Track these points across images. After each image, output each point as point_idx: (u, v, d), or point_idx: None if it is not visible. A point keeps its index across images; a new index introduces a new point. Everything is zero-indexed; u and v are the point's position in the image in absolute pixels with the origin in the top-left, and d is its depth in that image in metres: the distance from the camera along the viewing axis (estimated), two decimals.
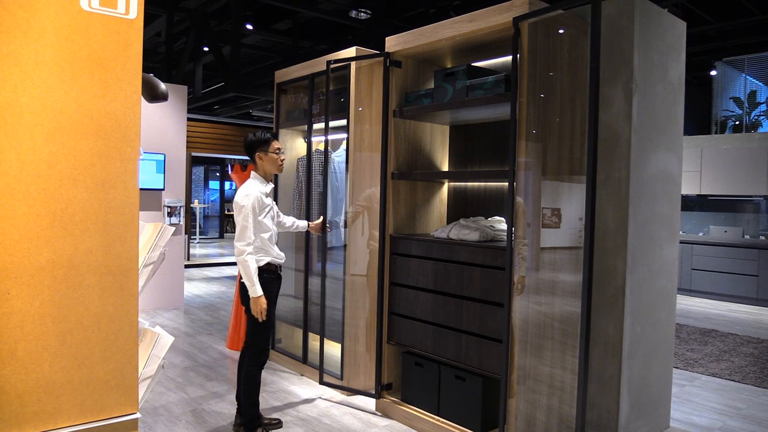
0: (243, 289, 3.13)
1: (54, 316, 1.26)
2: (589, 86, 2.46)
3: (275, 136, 3.23)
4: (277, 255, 3.20)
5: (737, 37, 7.98)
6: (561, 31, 2.93)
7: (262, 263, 3.11)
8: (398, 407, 3.49)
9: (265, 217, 3.13)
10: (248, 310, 3.12)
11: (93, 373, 1.31)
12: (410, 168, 3.68)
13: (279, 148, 3.21)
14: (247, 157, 13.59)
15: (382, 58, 3.59)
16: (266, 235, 3.14)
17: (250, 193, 3.06)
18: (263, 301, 3.04)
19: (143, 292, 1.52)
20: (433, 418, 3.27)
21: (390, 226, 3.56)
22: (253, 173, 3.22)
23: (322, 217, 3.73)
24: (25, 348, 1.23)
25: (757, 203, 8.30)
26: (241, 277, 3.13)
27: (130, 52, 1.33)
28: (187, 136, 7.21)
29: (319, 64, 4.21)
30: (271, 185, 3.26)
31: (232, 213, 18.78)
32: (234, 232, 3.42)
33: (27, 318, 1.23)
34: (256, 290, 3.02)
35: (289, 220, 3.58)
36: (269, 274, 3.16)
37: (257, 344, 3.16)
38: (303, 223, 3.67)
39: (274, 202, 3.32)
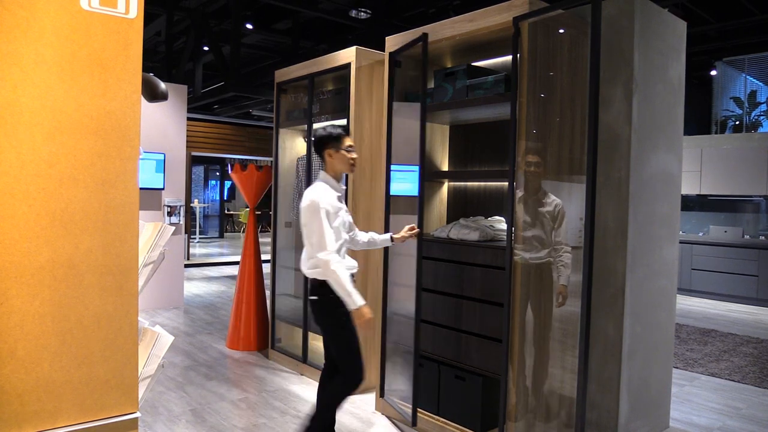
0: (319, 307, 2.75)
1: (54, 315, 1.26)
2: (589, 86, 2.46)
3: (347, 132, 2.89)
4: (350, 266, 2.78)
5: (737, 37, 7.98)
6: (561, 31, 2.93)
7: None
8: None
9: (337, 222, 2.72)
10: (330, 333, 2.78)
11: (93, 373, 1.31)
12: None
13: (351, 146, 2.84)
14: (247, 157, 13.65)
15: (383, 58, 3.59)
16: (338, 245, 2.75)
17: (320, 195, 2.68)
18: (367, 310, 2.62)
19: (143, 291, 1.52)
20: (433, 418, 3.27)
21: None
22: (322, 174, 2.86)
23: (409, 227, 3.14)
24: (25, 347, 1.23)
25: (757, 203, 8.30)
26: (314, 292, 2.75)
27: (130, 51, 1.33)
28: (187, 136, 7.21)
29: (319, 64, 4.21)
30: (343, 187, 2.91)
31: (232, 213, 18.89)
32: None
33: (27, 317, 1.23)
34: (355, 300, 2.60)
35: (364, 237, 3.03)
36: (332, 293, 2.75)
37: (353, 367, 2.74)
38: (384, 237, 3.09)
39: (347, 207, 2.90)
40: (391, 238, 3.08)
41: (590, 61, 2.45)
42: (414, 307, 3.41)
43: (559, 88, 2.96)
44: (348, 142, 2.84)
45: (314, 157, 4.33)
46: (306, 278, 4.31)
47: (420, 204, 3.29)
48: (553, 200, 2.95)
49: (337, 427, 2.89)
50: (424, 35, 3.21)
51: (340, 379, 2.76)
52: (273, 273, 4.74)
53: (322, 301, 2.72)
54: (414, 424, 3.28)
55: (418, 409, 3.34)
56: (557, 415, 3.10)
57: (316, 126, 4.31)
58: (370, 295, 3.88)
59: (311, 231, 2.66)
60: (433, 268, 3.27)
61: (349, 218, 2.90)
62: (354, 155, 2.85)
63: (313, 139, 2.89)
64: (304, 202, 2.70)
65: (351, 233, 2.94)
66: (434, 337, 3.26)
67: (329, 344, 2.85)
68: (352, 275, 2.76)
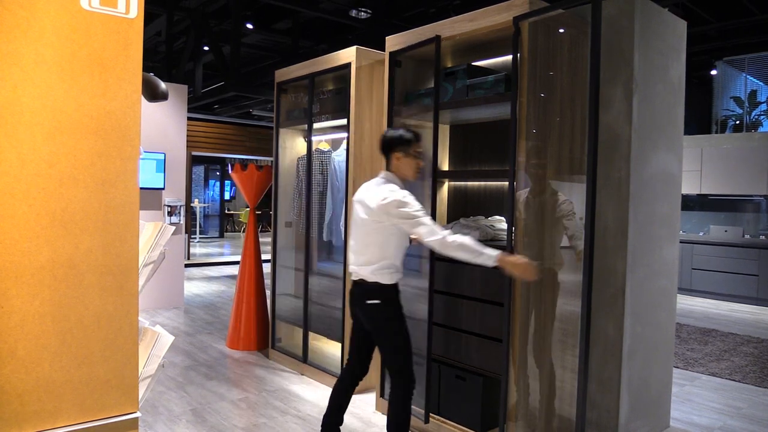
0: (381, 311, 2.66)
1: (54, 315, 1.26)
2: (589, 86, 2.46)
3: (419, 137, 2.76)
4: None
5: (737, 37, 7.97)
6: (561, 31, 2.93)
7: (393, 281, 2.69)
8: None
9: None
10: (388, 337, 2.68)
11: (93, 373, 1.31)
12: None
13: (421, 152, 2.76)
14: (247, 157, 13.66)
15: (383, 58, 3.59)
16: (403, 249, 2.72)
17: (406, 193, 2.59)
18: (514, 258, 2.46)
19: (143, 291, 1.52)
20: (434, 418, 3.27)
21: None
22: (387, 174, 2.74)
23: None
24: (26, 347, 1.23)
25: (757, 203, 8.29)
26: (374, 296, 2.65)
27: (130, 51, 1.33)
28: (188, 136, 7.21)
29: (319, 64, 4.21)
30: None
31: (232, 213, 18.89)
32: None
33: (27, 317, 1.23)
34: (491, 255, 2.43)
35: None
36: (396, 294, 2.74)
37: (408, 370, 2.68)
38: None
39: None
40: (410, 239, 2.93)
41: (590, 61, 2.45)
42: (414, 307, 3.41)
43: (559, 87, 2.96)
44: (418, 148, 2.74)
45: (314, 156, 4.33)
46: (305, 278, 4.34)
47: (432, 203, 3.30)
48: (562, 200, 2.94)
49: None
50: (437, 37, 3.20)
51: (398, 390, 2.69)
52: (273, 273, 4.74)
53: (384, 304, 2.65)
54: (426, 422, 3.28)
55: (419, 409, 3.34)
56: (558, 415, 3.10)
57: (315, 126, 4.31)
58: None
59: (409, 224, 2.54)
60: (433, 267, 3.27)
61: None
62: (421, 162, 2.77)
63: (383, 137, 2.78)
64: (385, 200, 2.57)
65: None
66: (435, 336, 3.26)
67: (384, 349, 2.72)
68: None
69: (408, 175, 2.76)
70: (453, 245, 2.47)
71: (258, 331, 5.02)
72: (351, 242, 2.82)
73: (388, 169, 2.76)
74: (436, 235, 2.50)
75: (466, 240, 2.48)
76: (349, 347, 2.93)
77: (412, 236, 2.78)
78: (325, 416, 2.88)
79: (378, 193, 2.63)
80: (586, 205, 2.53)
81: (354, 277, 2.77)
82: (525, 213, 2.90)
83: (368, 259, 2.67)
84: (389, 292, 2.68)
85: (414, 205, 2.56)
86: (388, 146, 2.74)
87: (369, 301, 2.67)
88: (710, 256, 7.92)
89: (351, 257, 2.79)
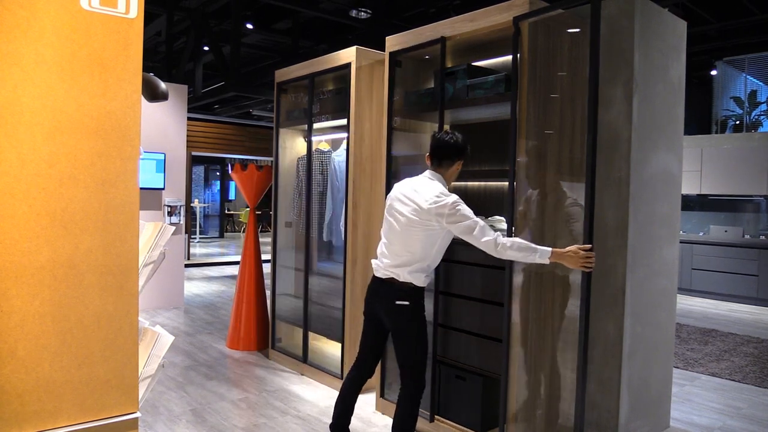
0: (410, 312, 2.61)
1: (54, 315, 1.26)
2: (588, 86, 2.46)
3: None
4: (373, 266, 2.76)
5: (737, 37, 7.97)
6: (576, 30, 2.93)
7: (425, 283, 2.65)
8: None
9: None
10: (413, 339, 2.63)
11: (93, 373, 1.31)
12: (410, 167, 3.67)
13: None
14: (247, 157, 13.65)
15: (383, 58, 3.58)
16: (443, 252, 2.69)
17: (456, 197, 2.55)
18: (567, 251, 2.41)
19: (143, 291, 1.52)
20: (435, 417, 3.27)
21: None
22: (434, 174, 2.68)
23: None
24: (26, 347, 1.23)
25: (757, 203, 8.29)
26: (404, 297, 2.60)
27: (130, 51, 1.33)
28: (187, 136, 7.21)
29: (319, 64, 4.21)
30: None
31: (232, 213, 18.89)
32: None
33: (27, 317, 1.23)
34: (546, 251, 2.42)
35: None
36: (423, 296, 2.69)
37: (422, 373, 2.67)
38: None
39: None
40: None
41: (590, 61, 2.45)
42: None
43: (559, 87, 2.96)
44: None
45: (314, 156, 4.33)
46: (305, 278, 4.33)
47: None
48: (570, 202, 2.91)
49: None
50: (443, 38, 3.20)
51: (409, 392, 2.66)
52: (273, 273, 4.74)
53: (413, 306, 2.60)
54: (432, 421, 3.28)
55: (419, 409, 3.33)
56: (557, 415, 3.10)
57: (315, 126, 4.31)
58: None
59: (462, 227, 2.49)
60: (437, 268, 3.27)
61: None
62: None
63: (452, 141, 2.67)
64: (438, 202, 2.52)
65: None
66: (434, 336, 3.26)
67: (404, 350, 2.66)
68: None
69: (453, 179, 2.76)
70: (507, 246, 2.43)
71: (258, 331, 5.02)
72: (386, 239, 2.73)
73: (439, 170, 2.69)
74: (489, 236, 2.46)
75: (518, 240, 2.48)
76: (360, 347, 2.87)
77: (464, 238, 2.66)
78: (336, 419, 2.82)
79: (429, 193, 2.56)
80: (585, 205, 2.52)
81: (380, 275, 2.69)
82: (534, 213, 2.90)
83: (408, 260, 2.60)
84: (419, 295, 2.64)
85: (467, 209, 2.53)
86: (459, 152, 2.68)
87: (399, 302, 2.60)
88: (710, 256, 7.92)
89: (385, 254, 2.70)
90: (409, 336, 2.64)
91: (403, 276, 2.60)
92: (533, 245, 2.44)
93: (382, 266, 2.69)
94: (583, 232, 2.52)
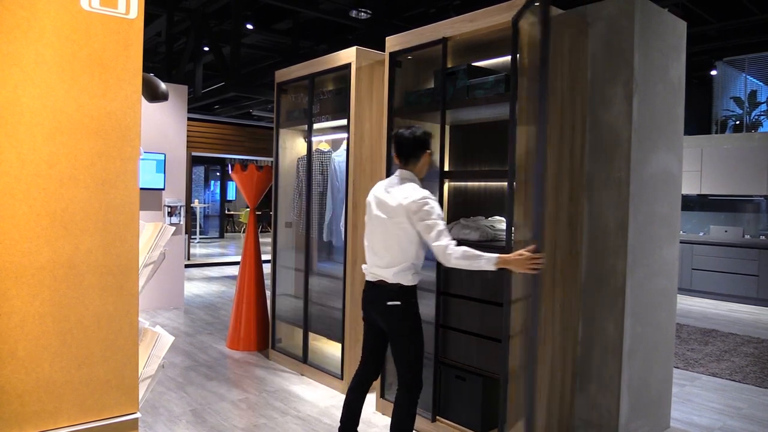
0: (402, 312, 2.61)
1: (54, 315, 1.26)
2: (539, 90, 2.33)
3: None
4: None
5: (737, 37, 7.97)
6: (571, 31, 2.93)
7: (414, 282, 2.65)
8: None
9: None
10: (406, 339, 2.63)
11: (93, 373, 1.31)
12: None
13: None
14: (247, 157, 13.65)
15: (383, 58, 3.58)
16: (424, 250, 2.65)
17: (429, 194, 2.56)
18: (512, 256, 2.39)
19: (143, 291, 1.52)
20: (435, 418, 3.27)
21: None
22: (408, 173, 2.68)
23: None
24: (26, 348, 1.23)
25: (757, 203, 8.29)
26: (396, 297, 2.60)
27: (130, 51, 1.33)
28: (188, 136, 7.22)
29: (319, 64, 4.21)
30: None
31: (232, 213, 18.90)
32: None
33: (27, 318, 1.23)
34: (491, 258, 2.39)
35: None
36: (416, 295, 2.69)
37: (419, 373, 2.66)
38: None
39: None
40: None
41: (540, 58, 2.33)
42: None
43: (559, 87, 2.96)
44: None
45: (314, 157, 4.33)
46: (305, 278, 4.34)
47: (440, 204, 3.29)
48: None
49: (337, 426, 2.89)
50: (444, 39, 3.20)
51: (405, 391, 2.66)
52: (273, 273, 4.74)
53: (404, 306, 2.61)
54: (434, 421, 3.28)
55: (419, 409, 3.34)
56: (557, 415, 3.10)
57: (315, 126, 4.31)
58: None
59: (427, 227, 2.49)
60: (433, 268, 3.27)
61: None
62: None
63: (411, 137, 2.66)
64: (407, 199, 2.53)
65: None
66: (434, 337, 3.26)
67: (400, 350, 2.67)
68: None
69: (425, 171, 2.74)
70: (453, 255, 2.43)
71: (258, 332, 5.02)
72: (368, 243, 2.75)
73: (407, 167, 2.69)
74: (442, 242, 2.46)
75: (466, 249, 2.45)
76: (362, 351, 2.87)
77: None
78: (343, 425, 2.82)
79: (400, 193, 2.58)
80: (535, 207, 2.40)
81: (371, 278, 2.71)
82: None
83: (390, 261, 2.62)
84: (410, 294, 2.64)
85: (435, 208, 2.52)
86: (421, 145, 2.67)
87: (390, 303, 2.61)
88: (710, 257, 7.92)
89: (370, 258, 2.72)
90: (403, 336, 2.64)
91: (391, 277, 2.61)
92: (479, 252, 2.42)
93: (371, 270, 2.72)
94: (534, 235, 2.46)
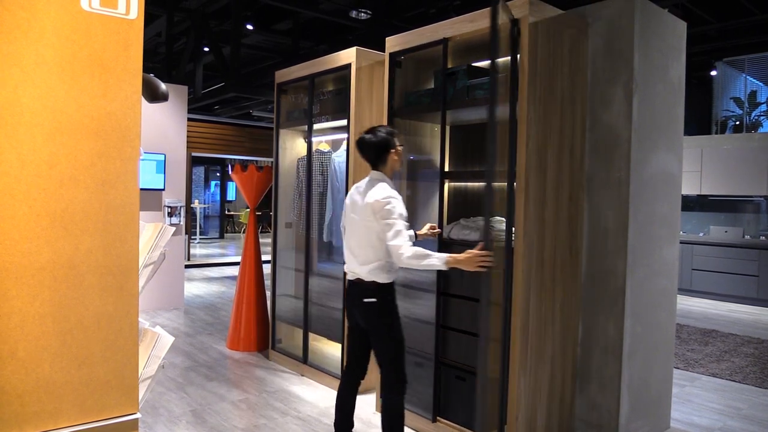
0: (378, 309, 2.66)
1: (54, 316, 1.26)
2: (490, 93, 2.30)
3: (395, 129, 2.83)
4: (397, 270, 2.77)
5: (737, 37, 7.97)
6: (571, 31, 2.92)
7: (390, 279, 2.69)
8: None
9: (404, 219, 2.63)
10: (384, 335, 2.68)
11: (93, 373, 1.31)
12: (410, 168, 3.67)
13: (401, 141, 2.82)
14: (247, 157, 13.64)
15: (383, 59, 3.58)
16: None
17: (394, 192, 2.63)
18: (462, 256, 2.43)
19: (143, 292, 1.52)
20: (436, 418, 3.27)
21: None
22: (378, 174, 2.75)
23: (429, 225, 3.13)
24: (26, 348, 1.23)
25: (757, 203, 8.29)
26: (371, 294, 2.66)
27: (130, 52, 1.33)
28: (188, 136, 7.21)
29: (319, 65, 4.21)
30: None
31: (232, 213, 18.90)
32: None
33: (27, 318, 1.23)
34: (442, 257, 2.47)
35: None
36: (393, 292, 2.73)
37: (401, 369, 2.69)
38: (409, 233, 2.86)
39: None
40: (415, 234, 3.01)
41: (490, 59, 2.30)
42: (414, 308, 3.41)
43: (559, 87, 2.96)
44: (400, 137, 2.81)
45: (314, 157, 4.33)
46: (306, 278, 4.33)
47: (440, 204, 3.30)
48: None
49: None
50: (445, 39, 3.20)
51: (390, 387, 2.69)
52: (273, 273, 4.74)
53: (380, 303, 2.66)
54: (434, 421, 3.28)
55: (419, 409, 3.34)
56: (558, 415, 3.10)
57: (315, 126, 4.31)
58: None
59: (388, 226, 2.54)
60: None
61: None
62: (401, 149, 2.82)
63: (370, 142, 2.73)
64: (371, 198, 2.60)
65: None
66: (434, 337, 3.26)
67: (380, 347, 2.72)
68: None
69: (397, 166, 2.81)
70: (405, 255, 2.49)
71: (258, 332, 5.02)
72: (346, 242, 2.84)
73: (377, 168, 2.76)
74: (397, 242, 2.51)
75: (418, 249, 2.51)
76: (347, 352, 2.92)
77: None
78: (337, 427, 2.86)
79: (369, 193, 2.66)
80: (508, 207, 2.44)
81: (351, 277, 2.79)
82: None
83: (364, 259, 2.69)
84: (386, 291, 2.69)
85: (397, 207, 2.57)
86: (384, 147, 2.73)
87: (366, 300, 2.68)
88: (710, 257, 7.92)
89: (348, 257, 2.81)
90: (381, 333, 2.70)
91: (366, 275, 2.68)
92: (430, 252, 2.49)
93: (349, 269, 2.79)
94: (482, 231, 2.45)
